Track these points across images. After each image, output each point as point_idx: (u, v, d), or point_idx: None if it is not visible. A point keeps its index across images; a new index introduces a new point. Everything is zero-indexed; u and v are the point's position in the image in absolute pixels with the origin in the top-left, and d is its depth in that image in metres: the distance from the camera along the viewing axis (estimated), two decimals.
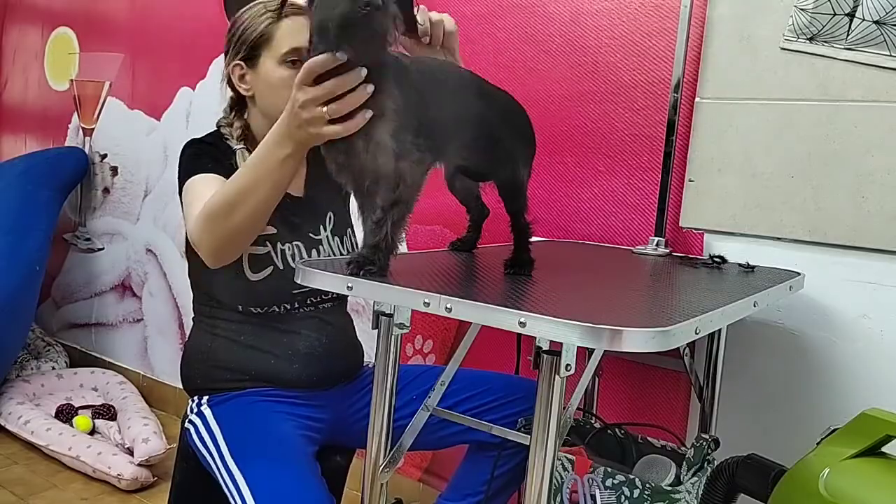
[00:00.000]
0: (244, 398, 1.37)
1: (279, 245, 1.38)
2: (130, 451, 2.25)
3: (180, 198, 1.31)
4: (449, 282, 1.02)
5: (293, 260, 1.38)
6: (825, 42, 1.44)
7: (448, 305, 0.91)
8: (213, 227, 1.15)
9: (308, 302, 1.41)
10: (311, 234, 1.43)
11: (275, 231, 1.37)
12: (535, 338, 0.90)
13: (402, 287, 0.96)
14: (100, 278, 3.02)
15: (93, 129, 3.02)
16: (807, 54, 1.46)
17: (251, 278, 1.35)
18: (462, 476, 1.51)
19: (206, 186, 1.24)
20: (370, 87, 0.93)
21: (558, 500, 1.33)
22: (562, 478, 1.33)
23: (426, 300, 0.93)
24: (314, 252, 1.42)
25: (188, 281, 1.46)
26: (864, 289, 1.44)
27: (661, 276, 1.33)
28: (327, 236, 1.45)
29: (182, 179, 1.31)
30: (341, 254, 1.46)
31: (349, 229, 1.52)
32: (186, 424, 1.39)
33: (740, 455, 1.35)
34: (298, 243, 1.40)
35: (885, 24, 1.37)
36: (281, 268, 1.37)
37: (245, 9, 1.37)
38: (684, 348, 1.50)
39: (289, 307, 1.40)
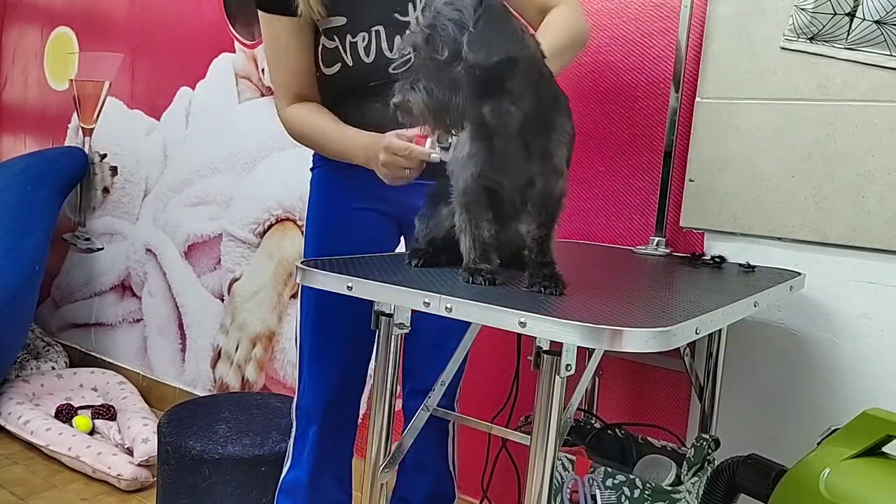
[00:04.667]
0: (329, 172, 1.44)
1: (348, 38, 1.28)
2: (130, 452, 2.25)
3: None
4: (448, 281, 1.02)
5: (367, 53, 1.28)
6: (825, 42, 1.44)
7: (448, 305, 0.91)
8: (289, 134, 1.38)
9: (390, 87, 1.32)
10: (396, 15, 1.28)
11: (343, 22, 1.28)
12: (535, 338, 0.90)
13: (402, 287, 0.96)
14: (99, 278, 3.02)
15: (92, 129, 3.02)
16: (807, 54, 1.46)
17: (324, 72, 1.34)
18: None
19: (278, 64, 1.35)
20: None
21: (558, 500, 1.33)
22: (562, 478, 1.33)
23: (426, 300, 0.93)
24: (398, 38, 1.28)
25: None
26: (865, 289, 1.44)
27: (661, 276, 1.32)
28: (418, 17, 1.28)
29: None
30: None
31: None
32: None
33: (741, 455, 1.35)
34: (378, 28, 1.27)
35: (885, 23, 1.37)
36: (350, 64, 1.30)
37: None
38: (684, 348, 1.50)
39: (368, 96, 1.32)
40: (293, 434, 1.50)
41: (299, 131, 1.36)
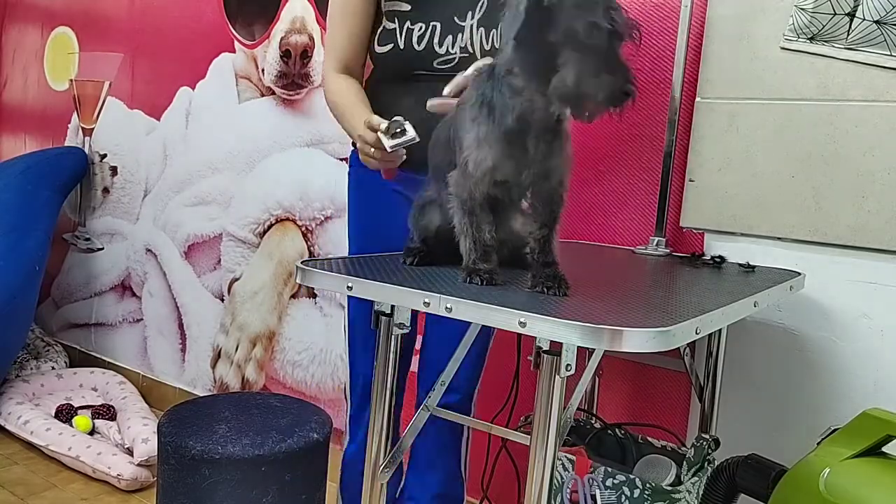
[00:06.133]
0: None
1: (408, 24, 1.40)
2: (130, 451, 2.25)
3: None
4: (448, 281, 1.02)
5: (419, 42, 1.39)
6: (825, 42, 1.44)
7: (448, 305, 0.91)
8: (325, 98, 1.47)
9: (430, 80, 1.39)
10: (455, 18, 1.39)
11: (408, 8, 1.40)
12: (535, 338, 0.90)
13: (402, 287, 0.96)
14: (99, 278, 3.02)
15: (92, 129, 3.02)
16: (807, 54, 1.46)
17: (377, 50, 1.44)
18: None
19: (336, 28, 1.45)
20: None
21: (558, 500, 1.33)
22: (562, 478, 1.33)
23: (426, 300, 0.93)
24: (450, 38, 1.39)
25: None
26: (864, 289, 1.44)
27: (661, 276, 1.32)
28: (472, 25, 1.39)
29: None
30: (484, 49, 1.40)
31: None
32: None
33: (740, 455, 1.35)
34: (436, 24, 1.38)
35: (885, 23, 1.37)
36: (401, 47, 1.40)
37: None
38: (684, 348, 1.50)
39: (408, 81, 1.42)
40: (347, 413, 1.63)
41: (329, 99, 1.46)
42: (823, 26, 1.43)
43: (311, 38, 2.27)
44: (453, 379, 1.39)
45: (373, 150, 1.25)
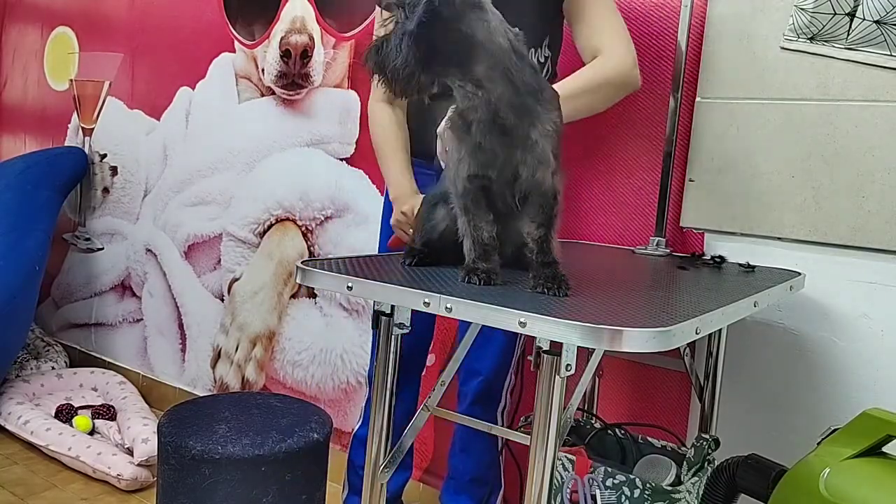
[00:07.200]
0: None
1: None
2: (130, 451, 2.25)
3: None
4: (448, 281, 1.02)
5: None
6: (825, 42, 1.44)
7: (448, 305, 0.91)
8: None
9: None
10: None
11: None
12: (535, 338, 0.90)
13: (402, 287, 0.96)
14: (99, 278, 3.02)
15: (92, 129, 3.02)
16: (807, 54, 1.46)
17: None
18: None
19: None
20: None
21: (558, 500, 1.33)
22: (562, 478, 1.33)
23: (426, 300, 0.93)
24: None
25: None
26: (864, 289, 1.44)
27: (661, 276, 1.32)
28: None
29: None
30: None
31: (540, 48, 1.52)
32: None
33: (740, 455, 1.35)
34: None
35: (885, 23, 1.37)
36: None
37: None
38: (684, 348, 1.50)
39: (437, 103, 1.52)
40: (367, 397, 1.76)
41: (371, 132, 1.59)
42: (823, 26, 1.43)
43: (311, 38, 2.27)
44: (476, 362, 1.55)
45: (406, 231, 1.43)
